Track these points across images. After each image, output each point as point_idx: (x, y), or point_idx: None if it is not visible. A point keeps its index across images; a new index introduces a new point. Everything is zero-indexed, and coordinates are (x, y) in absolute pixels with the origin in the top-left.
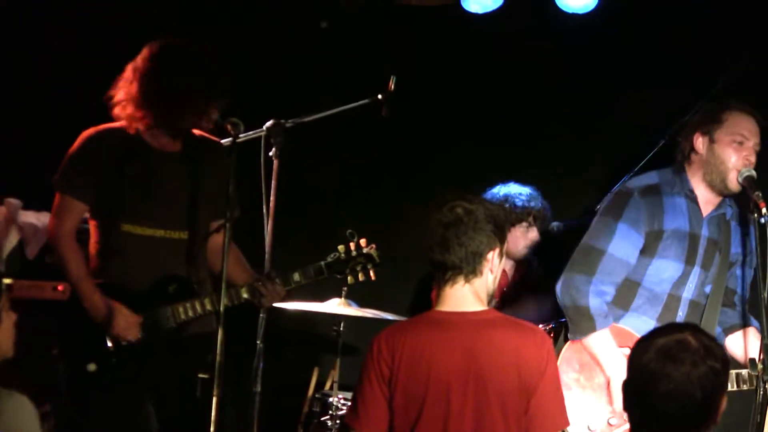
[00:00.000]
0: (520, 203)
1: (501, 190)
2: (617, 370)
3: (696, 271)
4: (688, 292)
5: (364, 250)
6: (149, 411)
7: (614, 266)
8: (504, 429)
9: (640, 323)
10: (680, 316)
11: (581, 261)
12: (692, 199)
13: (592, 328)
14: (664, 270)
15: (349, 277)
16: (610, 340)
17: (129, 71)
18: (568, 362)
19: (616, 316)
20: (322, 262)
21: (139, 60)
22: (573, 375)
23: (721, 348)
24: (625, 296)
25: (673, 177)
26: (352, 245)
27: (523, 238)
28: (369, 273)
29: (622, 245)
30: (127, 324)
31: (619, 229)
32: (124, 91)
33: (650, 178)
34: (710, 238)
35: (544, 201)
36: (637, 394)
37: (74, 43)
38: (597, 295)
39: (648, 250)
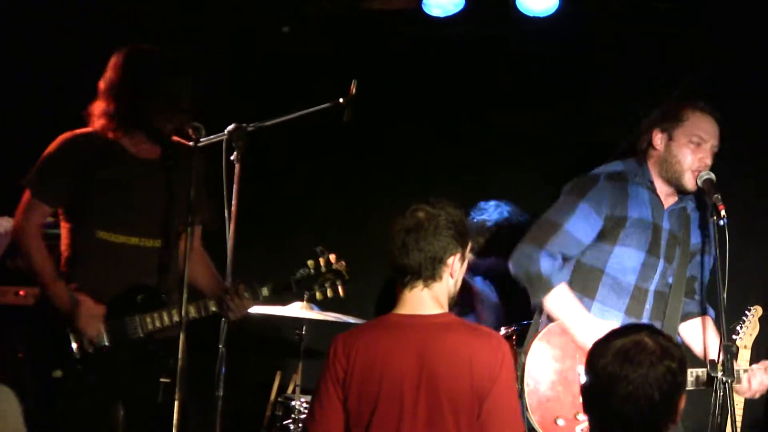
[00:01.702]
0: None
1: (497, 211)
2: (580, 327)
3: (660, 262)
4: (653, 284)
5: (334, 267)
6: (115, 418)
7: (567, 241)
8: None
9: (610, 317)
10: (647, 308)
11: (535, 232)
12: (652, 190)
13: (548, 288)
14: (627, 258)
15: (317, 293)
16: (569, 295)
17: (102, 81)
18: (539, 355)
19: (583, 304)
20: (291, 278)
21: (109, 70)
22: (544, 369)
23: (679, 348)
24: (588, 283)
25: (636, 167)
26: (321, 261)
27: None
28: (338, 289)
29: (580, 224)
30: (90, 315)
31: (580, 208)
32: (99, 101)
33: (615, 165)
34: (671, 231)
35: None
36: (596, 396)
37: (48, 47)
38: (547, 259)
39: (609, 237)
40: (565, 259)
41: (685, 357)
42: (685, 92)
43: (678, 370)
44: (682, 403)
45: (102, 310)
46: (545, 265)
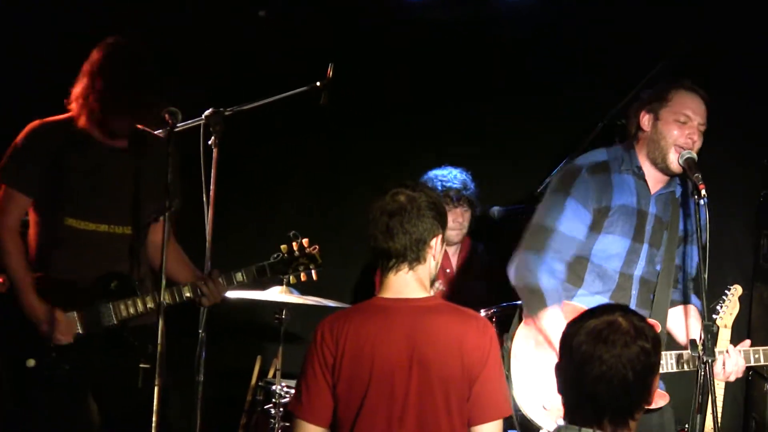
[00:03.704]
0: (438, 184)
1: (429, 173)
2: None
3: (645, 248)
4: (638, 270)
5: (307, 251)
6: (90, 406)
7: (564, 243)
8: (446, 416)
9: (594, 302)
10: (633, 294)
11: (531, 240)
12: (640, 176)
13: (543, 306)
14: (611, 245)
15: (291, 277)
16: (561, 317)
17: (84, 68)
18: (524, 340)
19: (569, 294)
20: (265, 263)
21: (93, 58)
22: (529, 354)
23: (652, 328)
24: (575, 272)
25: (622, 154)
26: (295, 245)
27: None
28: (311, 274)
29: (571, 223)
30: (60, 330)
31: (567, 206)
32: (80, 87)
33: (599, 155)
34: (657, 216)
35: (469, 182)
36: (571, 377)
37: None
38: (549, 274)
39: (595, 226)
40: (566, 262)
41: (658, 337)
42: (658, 75)
43: (652, 350)
44: (656, 384)
45: (73, 325)
46: (544, 281)
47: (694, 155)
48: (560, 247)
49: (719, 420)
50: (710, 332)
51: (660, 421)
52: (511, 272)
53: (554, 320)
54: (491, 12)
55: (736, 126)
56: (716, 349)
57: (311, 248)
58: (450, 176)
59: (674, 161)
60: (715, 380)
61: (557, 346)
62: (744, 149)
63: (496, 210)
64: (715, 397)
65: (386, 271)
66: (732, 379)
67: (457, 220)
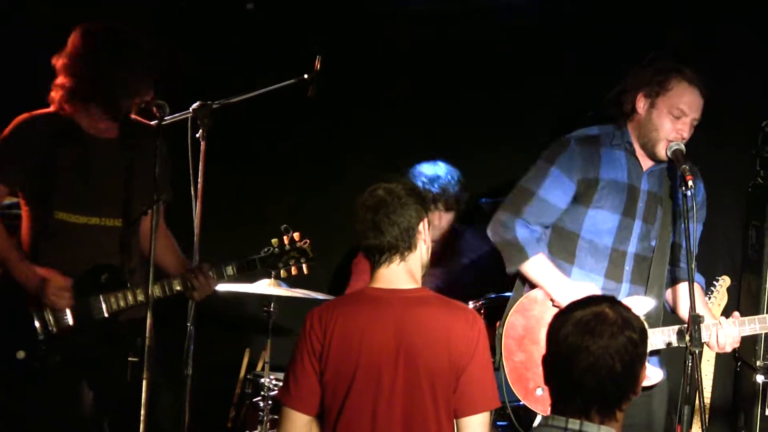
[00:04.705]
0: (420, 186)
1: (416, 167)
2: (559, 290)
3: (637, 224)
4: (632, 247)
5: (298, 245)
6: (82, 398)
7: (542, 208)
8: (433, 407)
9: (590, 281)
10: (627, 270)
11: (511, 201)
12: (631, 152)
13: (525, 257)
14: (601, 221)
15: (282, 271)
16: (546, 262)
17: (64, 56)
18: (516, 327)
19: (564, 272)
20: (256, 257)
21: (72, 44)
22: (520, 340)
23: (639, 319)
24: (566, 248)
25: (614, 130)
26: (286, 239)
27: None
28: (302, 267)
29: (552, 190)
30: (58, 288)
31: (551, 173)
32: (61, 76)
33: (590, 130)
34: (650, 192)
35: (451, 186)
36: (558, 368)
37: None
38: (524, 227)
39: (583, 200)
40: (545, 227)
41: (645, 327)
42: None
43: (639, 341)
44: (644, 374)
45: (69, 282)
46: (521, 233)
47: (682, 147)
48: (537, 211)
49: (707, 411)
50: (697, 322)
51: (649, 400)
52: (489, 230)
53: (540, 266)
54: (489, 4)
55: (726, 117)
56: (708, 322)
57: (302, 242)
58: (431, 175)
59: (662, 151)
60: (708, 367)
61: (550, 287)
62: (734, 140)
63: (484, 201)
64: (702, 388)
65: (377, 266)
66: (728, 350)
67: (433, 223)
